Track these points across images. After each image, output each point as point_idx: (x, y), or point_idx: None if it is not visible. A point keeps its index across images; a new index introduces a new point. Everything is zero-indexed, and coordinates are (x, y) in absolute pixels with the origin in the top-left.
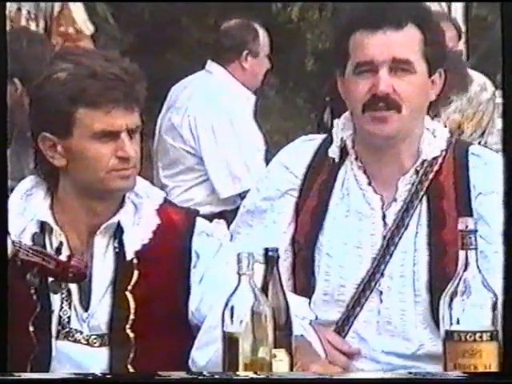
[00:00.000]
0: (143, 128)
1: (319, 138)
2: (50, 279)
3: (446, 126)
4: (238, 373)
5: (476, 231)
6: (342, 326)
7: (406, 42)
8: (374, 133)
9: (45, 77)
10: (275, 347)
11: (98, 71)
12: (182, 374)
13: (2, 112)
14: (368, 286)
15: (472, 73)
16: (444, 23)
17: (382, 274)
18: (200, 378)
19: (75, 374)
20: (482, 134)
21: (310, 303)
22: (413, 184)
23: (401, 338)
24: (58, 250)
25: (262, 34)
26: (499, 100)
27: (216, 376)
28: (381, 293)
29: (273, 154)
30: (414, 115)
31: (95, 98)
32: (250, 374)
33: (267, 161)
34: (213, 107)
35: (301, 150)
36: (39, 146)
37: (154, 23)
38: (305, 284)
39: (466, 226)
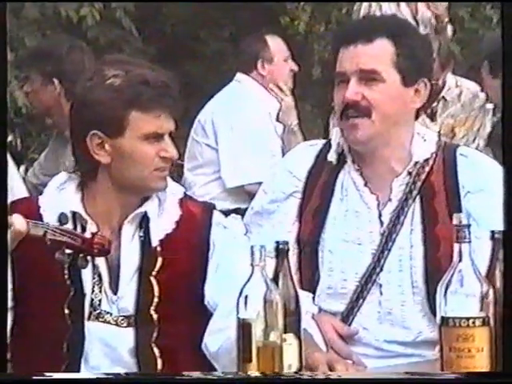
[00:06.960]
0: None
1: (320, 143)
2: (79, 255)
3: (440, 130)
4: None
5: (469, 226)
6: (347, 317)
7: (374, 53)
8: (349, 139)
9: (96, 82)
10: (285, 332)
11: (150, 79)
12: (197, 374)
13: (2, 110)
14: (369, 279)
15: (465, 81)
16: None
17: (382, 269)
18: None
19: (106, 374)
20: (474, 138)
21: (313, 297)
22: (407, 185)
23: (400, 326)
24: (83, 228)
25: (273, 42)
26: (489, 106)
27: (229, 376)
28: (381, 286)
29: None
30: (388, 122)
31: (148, 103)
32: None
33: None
34: (236, 106)
35: (303, 155)
36: (86, 142)
37: (174, 36)
38: (310, 278)
39: (460, 221)
